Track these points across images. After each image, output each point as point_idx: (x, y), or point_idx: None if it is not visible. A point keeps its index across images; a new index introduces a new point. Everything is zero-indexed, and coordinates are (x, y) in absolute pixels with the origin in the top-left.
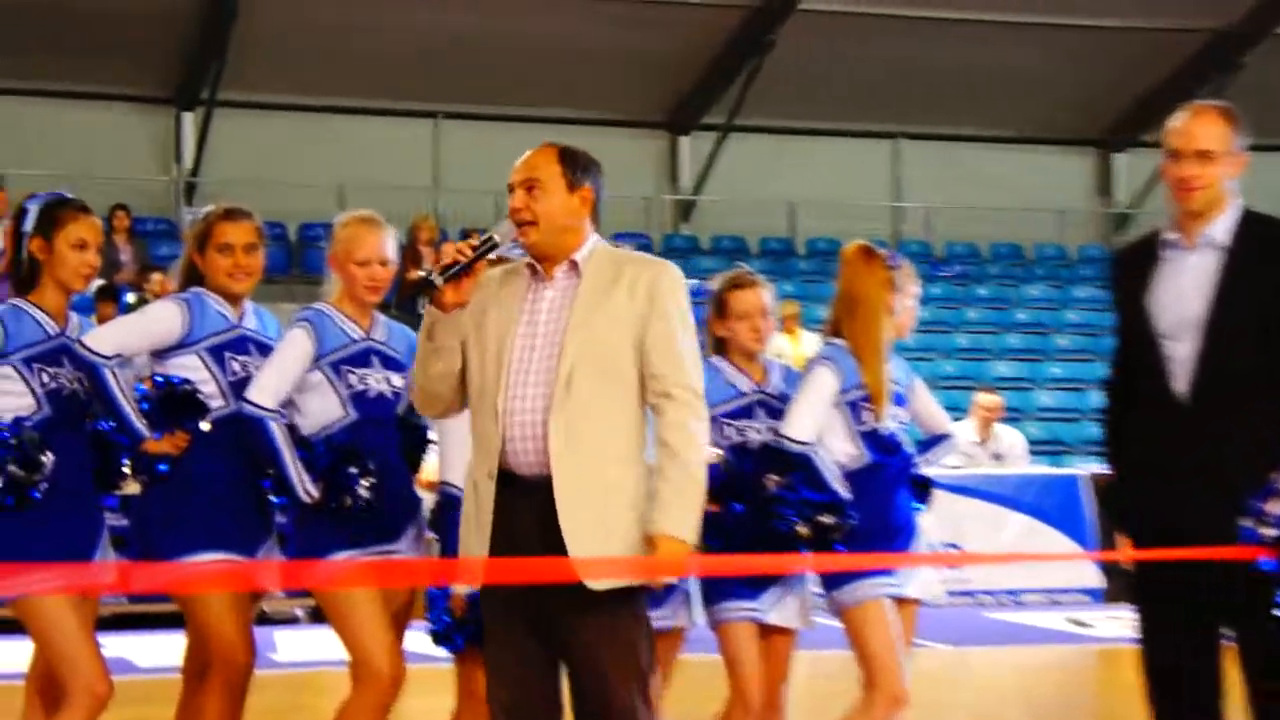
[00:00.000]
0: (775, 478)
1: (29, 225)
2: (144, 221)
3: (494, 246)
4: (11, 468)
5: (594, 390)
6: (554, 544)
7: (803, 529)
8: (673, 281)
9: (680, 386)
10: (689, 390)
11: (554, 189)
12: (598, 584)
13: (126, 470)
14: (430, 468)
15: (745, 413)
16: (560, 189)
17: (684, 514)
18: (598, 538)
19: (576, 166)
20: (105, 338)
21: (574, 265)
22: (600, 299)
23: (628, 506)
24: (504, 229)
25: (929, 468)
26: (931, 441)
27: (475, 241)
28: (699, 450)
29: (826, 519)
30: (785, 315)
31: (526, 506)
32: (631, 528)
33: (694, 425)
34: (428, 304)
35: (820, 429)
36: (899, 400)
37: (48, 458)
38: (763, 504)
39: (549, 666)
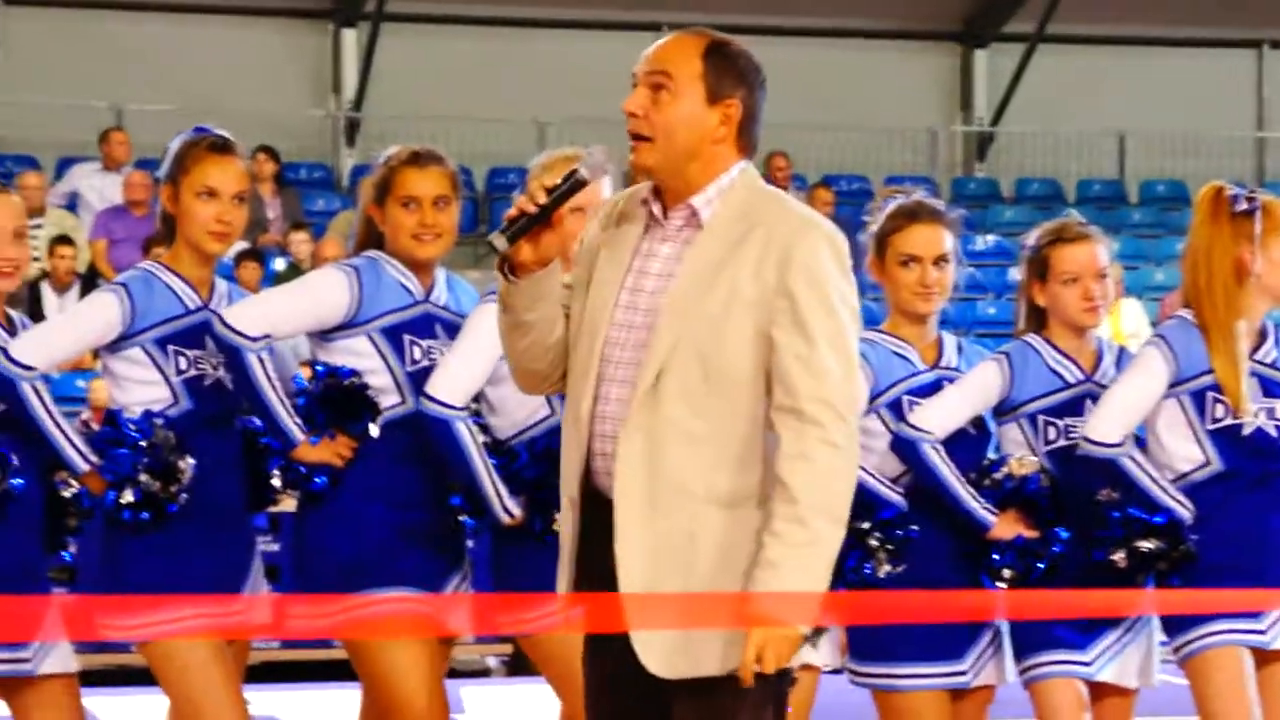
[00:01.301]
0: (1109, 492)
1: (162, 170)
2: (295, 168)
3: (579, 187)
4: (144, 476)
5: (694, 398)
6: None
7: (1117, 555)
8: (816, 248)
9: (814, 401)
10: (827, 407)
11: (687, 94)
12: (659, 669)
13: (277, 482)
14: None
15: (1071, 408)
16: (696, 96)
17: (789, 585)
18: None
19: (727, 70)
20: (250, 314)
21: (694, 212)
22: (717, 267)
23: (728, 566)
24: (595, 158)
25: None
26: None
27: (552, 182)
28: (829, 494)
29: (1146, 544)
30: None
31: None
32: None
33: (824, 457)
34: (496, 266)
35: (1132, 427)
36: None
37: (187, 463)
38: (1089, 525)
39: None
